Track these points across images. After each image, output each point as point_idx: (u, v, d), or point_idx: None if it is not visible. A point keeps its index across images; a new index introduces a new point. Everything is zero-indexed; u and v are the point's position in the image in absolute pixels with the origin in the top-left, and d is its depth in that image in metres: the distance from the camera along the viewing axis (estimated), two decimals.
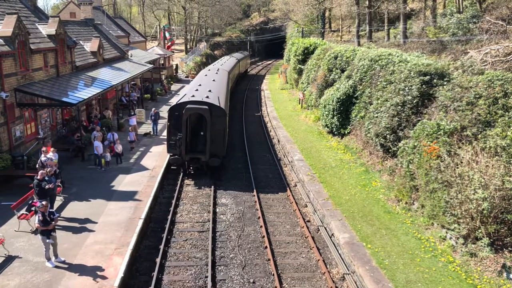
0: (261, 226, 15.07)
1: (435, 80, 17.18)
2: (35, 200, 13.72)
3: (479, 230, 11.81)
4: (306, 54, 37.36)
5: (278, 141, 26.16)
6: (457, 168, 12.70)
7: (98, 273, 11.22)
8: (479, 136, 13.57)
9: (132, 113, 26.80)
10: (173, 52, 59.13)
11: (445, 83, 16.83)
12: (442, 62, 19.81)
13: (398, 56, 20.89)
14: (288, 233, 14.86)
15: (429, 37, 32.44)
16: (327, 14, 57.60)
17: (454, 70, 17.77)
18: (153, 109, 26.94)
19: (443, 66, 17.96)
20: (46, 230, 11.41)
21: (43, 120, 21.99)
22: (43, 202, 11.77)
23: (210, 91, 21.59)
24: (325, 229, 14.76)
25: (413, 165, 14.86)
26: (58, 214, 13.03)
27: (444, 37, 29.68)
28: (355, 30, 45.40)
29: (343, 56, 26.68)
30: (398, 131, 17.35)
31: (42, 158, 16.24)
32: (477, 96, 14.55)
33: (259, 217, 15.83)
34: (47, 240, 11.47)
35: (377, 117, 18.91)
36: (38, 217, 11.39)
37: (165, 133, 22.40)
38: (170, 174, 20.05)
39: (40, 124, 21.56)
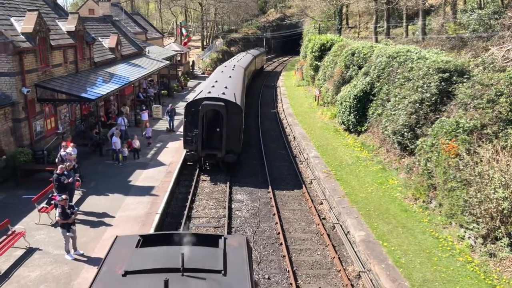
0: (276, 223, 15.09)
1: (454, 77, 16.90)
2: (54, 194, 13.99)
3: (499, 230, 11.61)
4: (323, 50, 37.11)
5: (294, 138, 26.10)
6: (477, 166, 12.49)
7: None
8: (500, 134, 13.33)
9: (144, 108, 27.01)
10: (189, 48, 59.41)
11: (465, 80, 16.55)
12: (462, 59, 19.48)
13: (416, 53, 20.61)
14: (303, 230, 14.85)
15: (448, 33, 31.88)
16: (344, 10, 57.07)
17: (474, 67, 17.45)
18: (169, 105, 27.15)
19: (463, 63, 17.67)
20: (66, 223, 11.63)
21: (63, 115, 22.37)
22: (63, 196, 12.00)
23: (226, 87, 21.65)
24: (341, 226, 14.70)
25: (431, 163, 14.68)
26: (77, 208, 13.28)
27: (464, 34, 29.13)
28: (372, 27, 44.90)
29: (361, 52, 26.43)
30: (416, 128, 17.14)
31: (62, 152, 16.53)
32: (498, 93, 14.27)
33: (274, 214, 15.86)
34: (67, 234, 11.69)
35: (394, 114, 18.71)
36: (59, 210, 11.61)
37: (181, 129, 22.57)
38: (186, 169, 20.21)
39: (59, 119, 21.94)
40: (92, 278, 5.93)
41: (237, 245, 6.79)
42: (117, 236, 7.17)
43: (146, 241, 6.82)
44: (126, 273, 5.82)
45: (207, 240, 6.84)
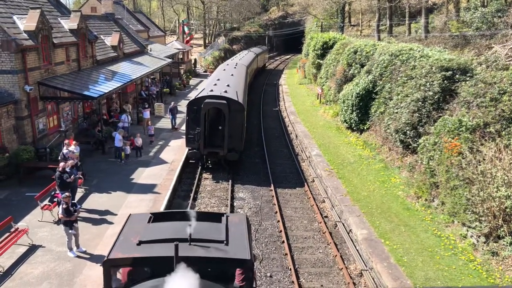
0: (278, 221, 15.10)
1: (457, 76, 16.85)
2: (57, 192, 14.03)
3: (502, 229, 11.59)
4: (325, 48, 37.04)
5: (296, 136, 26.09)
6: (479, 165, 12.47)
7: None
8: (503, 133, 13.28)
9: (146, 106, 27.01)
10: (191, 46, 59.39)
11: (468, 78, 16.50)
12: (465, 57, 19.42)
13: (419, 51, 20.56)
14: (305, 228, 14.85)
15: (451, 31, 31.77)
16: (346, 8, 56.95)
17: (477, 65, 17.40)
18: (172, 103, 27.16)
19: (466, 61, 17.61)
20: (69, 220, 11.67)
21: (65, 113, 22.41)
22: (66, 193, 12.04)
23: (228, 85, 21.65)
24: (343, 225, 14.70)
25: (433, 161, 14.65)
26: (80, 206, 13.31)
27: (467, 32, 29.03)
28: (375, 25, 44.81)
29: (363, 51, 26.38)
30: (418, 127, 17.10)
31: (64, 150, 16.58)
32: (501, 92, 14.22)
33: (276, 212, 15.86)
34: (70, 231, 11.73)
35: (397, 112, 18.68)
36: (63, 206, 11.64)
37: (183, 127, 22.59)
38: (188, 167, 20.23)
39: (62, 117, 21.98)
40: (110, 247, 6.74)
41: (238, 221, 7.57)
42: (130, 214, 8.00)
43: (156, 217, 7.62)
44: (140, 242, 6.63)
45: (211, 217, 7.68)
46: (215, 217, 7.61)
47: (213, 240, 6.67)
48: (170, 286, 5.29)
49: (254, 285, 6.75)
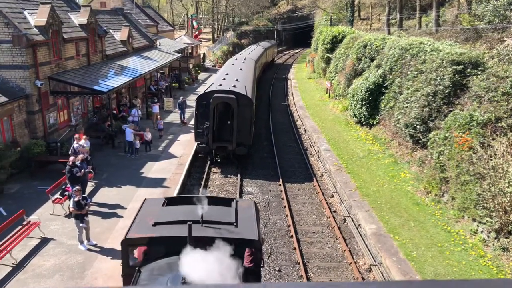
0: (287, 215, 15.11)
1: (468, 70, 16.66)
2: (68, 186, 14.19)
3: None
4: (335, 42, 36.80)
5: (305, 130, 26.03)
6: (491, 160, 12.34)
7: None
8: None
9: (156, 100, 27.11)
10: (200, 41, 59.40)
11: (479, 72, 16.30)
12: (476, 51, 19.17)
13: (430, 45, 20.34)
14: (314, 223, 14.85)
15: (463, 25, 31.35)
16: (356, 2, 56.44)
17: (489, 59, 17.18)
18: (181, 97, 27.23)
19: (477, 55, 17.39)
20: (80, 214, 11.80)
21: (75, 108, 22.60)
22: (77, 187, 12.17)
23: (237, 80, 21.63)
24: (352, 219, 14.68)
25: (443, 156, 14.53)
26: (90, 199, 13.46)
27: (479, 25, 28.64)
28: (385, 19, 44.37)
29: (373, 44, 26.17)
30: (428, 121, 16.96)
31: (75, 145, 16.73)
32: None
33: (285, 206, 15.88)
34: (80, 224, 11.87)
35: (407, 107, 18.53)
36: (74, 199, 11.76)
37: (192, 121, 22.65)
38: (197, 162, 20.31)
39: (72, 111, 22.17)
40: (128, 227, 7.30)
41: (246, 206, 8.03)
42: (145, 199, 8.62)
43: (170, 202, 8.18)
44: (155, 224, 7.08)
45: (221, 202, 8.14)
46: (225, 202, 8.08)
47: (224, 222, 7.11)
48: (184, 261, 5.62)
49: (261, 266, 7.16)
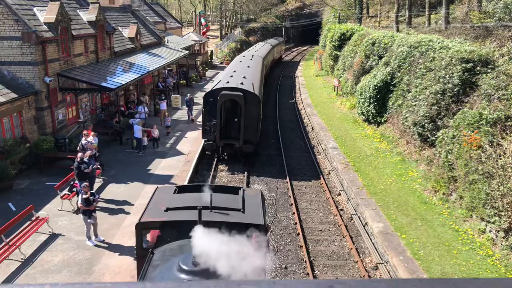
0: (294, 213, 15.11)
1: (478, 68, 16.49)
2: (76, 182, 14.30)
3: None
4: (343, 40, 36.63)
5: (312, 128, 25.97)
6: (500, 159, 12.23)
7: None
8: None
9: (163, 98, 27.18)
10: (208, 38, 59.41)
11: (489, 70, 16.13)
12: (486, 48, 18.97)
13: (439, 43, 20.16)
14: (320, 220, 14.84)
15: (473, 22, 31.03)
16: None
17: (499, 57, 16.99)
18: (188, 94, 27.29)
19: (487, 53, 17.21)
20: (88, 210, 11.89)
21: (84, 104, 22.74)
22: (85, 183, 12.26)
23: (244, 77, 21.62)
24: (359, 218, 14.63)
25: (452, 155, 14.43)
26: (98, 196, 13.55)
27: (489, 23, 28.32)
28: (393, 16, 44.04)
29: (381, 42, 26.01)
30: (437, 120, 16.84)
31: (83, 141, 16.85)
32: None
33: (291, 204, 15.87)
34: (88, 220, 11.96)
35: (415, 105, 18.41)
36: (83, 196, 11.85)
37: (200, 118, 22.70)
38: (204, 159, 20.36)
39: (80, 108, 22.32)
40: (141, 212, 7.80)
41: (253, 194, 8.44)
42: (157, 187, 9.11)
43: (181, 189, 8.61)
44: (167, 209, 7.52)
45: (229, 190, 8.56)
46: (233, 190, 8.51)
47: (231, 208, 7.53)
48: (194, 240, 6.00)
49: (267, 250, 7.43)
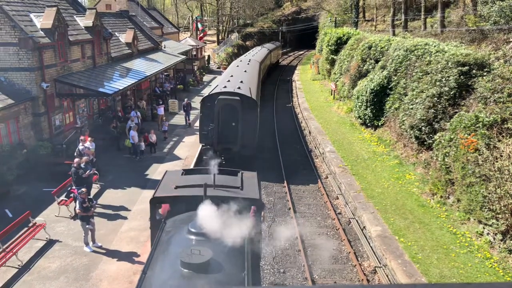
0: (292, 217, 15.09)
1: (474, 71, 16.57)
2: (73, 187, 14.25)
3: None
4: (339, 44, 36.75)
5: (309, 132, 26.00)
6: (497, 162, 12.27)
7: (134, 258, 11.59)
8: None
9: (161, 102, 27.20)
10: (205, 43, 59.54)
11: (485, 73, 16.21)
12: (482, 52, 19.07)
13: (435, 46, 20.26)
14: (319, 224, 14.82)
15: (468, 26, 31.21)
16: (361, 3, 56.36)
17: (495, 60, 17.08)
18: (185, 99, 27.30)
19: (483, 56, 17.30)
20: (86, 216, 11.85)
21: (81, 110, 22.72)
22: (83, 189, 12.22)
23: (241, 82, 21.64)
24: (357, 221, 14.63)
25: (449, 158, 14.47)
26: (96, 201, 13.50)
27: (484, 26, 28.50)
28: (390, 20, 44.26)
29: (378, 46, 26.11)
30: (433, 123, 16.90)
31: (80, 146, 16.81)
32: None
33: (289, 208, 15.86)
34: (87, 226, 11.91)
35: (412, 108, 18.47)
36: (79, 203, 11.80)
37: (197, 123, 22.69)
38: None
39: (78, 113, 22.28)
40: (154, 190, 8.99)
41: (250, 176, 9.55)
42: (166, 171, 10.35)
43: (187, 172, 9.83)
44: (177, 187, 8.63)
45: (229, 172, 9.63)
46: (233, 173, 9.61)
47: (232, 186, 8.63)
48: (201, 209, 6.98)
49: (262, 221, 8.76)
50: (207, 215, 6.78)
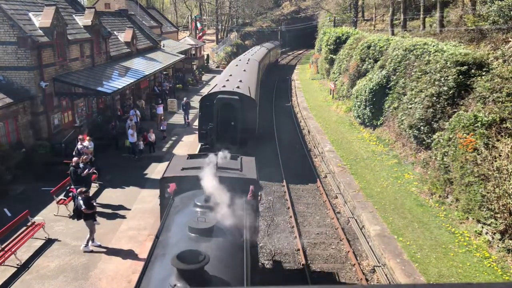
0: (291, 217, 15.11)
1: (473, 70, 16.58)
2: (72, 187, 14.24)
3: None
4: (338, 43, 36.75)
5: (308, 131, 26.01)
6: (495, 161, 12.29)
7: (132, 257, 11.58)
8: None
9: (160, 102, 27.19)
10: (204, 42, 59.49)
11: (483, 73, 16.22)
12: (481, 51, 19.09)
13: (434, 46, 20.26)
14: (317, 224, 14.84)
15: (467, 25, 31.23)
16: (360, 2, 56.34)
17: (493, 59, 17.09)
18: (184, 98, 27.28)
19: (482, 55, 17.31)
20: (92, 213, 11.82)
21: (80, 109, 22.69)
22: (83, 188, 12.18)
23: (240, 81, 21.65)
24: (356, 221, 14.65)
25: (448, 157, 14.48)
26: (94, 200, 13.48)
27: (483, 26, 28.52)
28: (389, 19, 44.27)
29: (377, 45, 26.12)
30: (432, 122, 16.92)
31: (79, 146, 16.80)
32: None
33: (288, 208, 15.87)
34: (94, 222, 11.90)
35: (411, 108, 18.49)
36: (85, 201, 11.69)
37: (196, 122, 22.69)
38: None
39: (76, 113, 22.26)
40: (164, 170, 9.89)
41: (249, 160, 10.47)
42: (174, 154, 11.58)
43: (192, 157, 10.72)
44: (183, 168, 9.53)
45: (230, 157, 10.26)
46: (233, 157, 10.38)
47: (233, 168, 9.51)
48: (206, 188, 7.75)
49: (259, 199, 9.84)
50: (211, 190, 7.70)
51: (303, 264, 12.12)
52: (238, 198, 7.68)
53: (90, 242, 12.11)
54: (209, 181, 7.82)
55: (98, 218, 13.53)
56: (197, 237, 6.54)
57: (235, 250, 6.79)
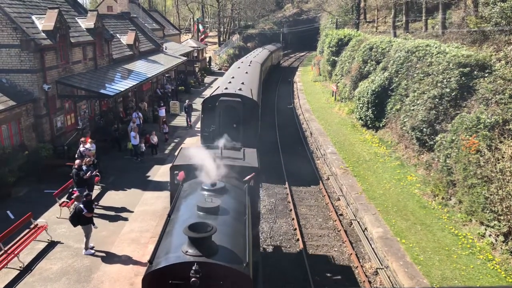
0: (293, 219, 15.08)
1: (475, 72, 16.56)
2: (74, 189, 14.25)
3: None
4: (340, 45, 36.77)
5: (311, 133, 25.99)
6: (498, 163, 12.25)
7: (135, 260, 11.58)
8: None
9: (162, 104, 27.21)
10: (206, 44, 59.57)
11: (486, 75, 16.20)
12: (483, 53, 19.05)
13: (436, 47, 20.25)
14: (320, 226, 14.81)
15: (469, 27, 31.18)
16: (362, 4, 56.33)
17: (496, 61, 17.07)
18: (186, 101, 27.31)
19: (484, 57, 17.28)
20: (91, 217, 11.80)
21: (82, 111, 22.73)
22: (86, 192, 12.16)
23: (243, 83, 21.65)
24: (358, 223, 14.61)
25: (450, 159, 14.45)
26: (96, 203, 13.49)
27: (486, 27, 28.47)
28: (391, 21, 44.21)
29: (379, 47, 26.12)
30: (435, 124, 16.88)
31: (81, 148, 16.83)
32: None
33: (291, 210, 15.85)
34: (93, 226, 11.89)
35: (413, 110, 18.46)
36: (86, 204, 11.61)
37: (198, 125, 22.70)
38: None
39: (79, 115, 22.30)
40: (174, 157, 10.74)
41: (251, 151, 11.27)
42: (181, 147, 12.27)
43: (199, 148, 11.48)
44: (191, 158, 9.91)
45: (233, 148, 11.24)
46: (236, 149, 11.27)
47: (236, 158, 10.37)
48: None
49: (260, 186, 10.70)
50: (216, 176, 8.60)
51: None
52: (241, 183, 9.03)
53: (89, 245, 12.05)
54: (215, 169, 8.70)
55: (100, 221, 13.57)
56: (205, 215, 7.35)
57: (238, 225, 7.59)
